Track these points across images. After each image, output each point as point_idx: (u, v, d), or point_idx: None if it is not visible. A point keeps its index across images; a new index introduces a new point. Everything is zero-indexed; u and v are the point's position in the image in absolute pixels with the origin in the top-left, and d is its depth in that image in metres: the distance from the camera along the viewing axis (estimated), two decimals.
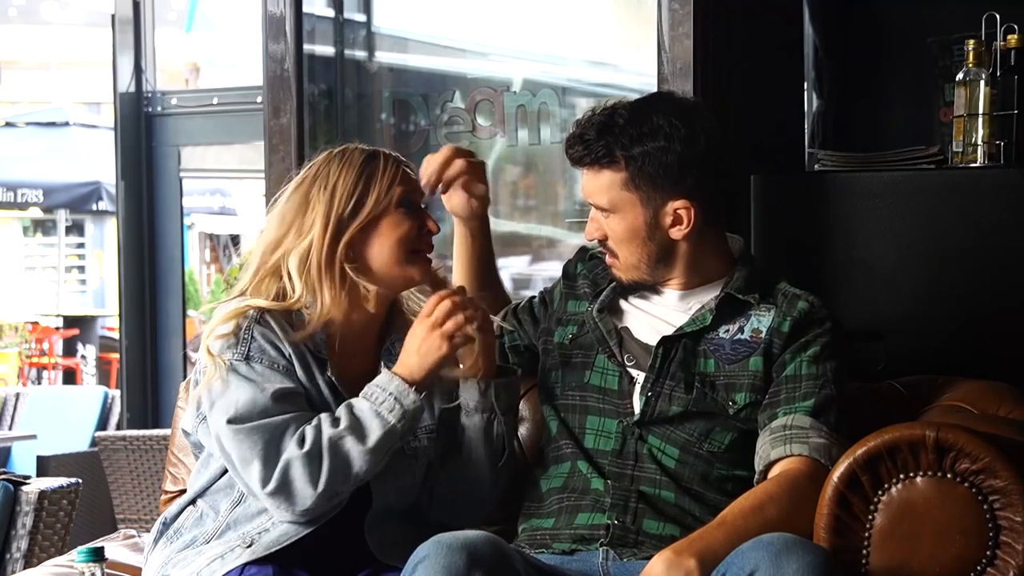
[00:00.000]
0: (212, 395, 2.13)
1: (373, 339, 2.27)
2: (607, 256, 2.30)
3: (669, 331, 2.27)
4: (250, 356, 2.13)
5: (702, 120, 2.24)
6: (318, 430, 2.09)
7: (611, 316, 2.33)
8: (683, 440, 2.23)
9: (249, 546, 2.12)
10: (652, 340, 2.28)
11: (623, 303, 2.35)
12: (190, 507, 2.24)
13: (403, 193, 2.21)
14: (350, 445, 2.08)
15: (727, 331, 2.26)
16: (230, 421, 2.09)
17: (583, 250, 2.47)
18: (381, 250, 2.20)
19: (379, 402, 2.11)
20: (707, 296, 2.29)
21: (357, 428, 2.09)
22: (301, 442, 2.08)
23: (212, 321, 2.18)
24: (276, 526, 2.14)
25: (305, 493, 2.07)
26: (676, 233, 2.24)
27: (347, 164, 2.20)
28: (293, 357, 2.16)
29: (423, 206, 2.28)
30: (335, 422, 2.10)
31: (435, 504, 2.30)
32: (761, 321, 2.26)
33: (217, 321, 2.17)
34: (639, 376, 2.27)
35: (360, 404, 2.11)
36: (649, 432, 2.24)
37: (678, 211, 2.22)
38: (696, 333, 2.26)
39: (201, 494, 2.23)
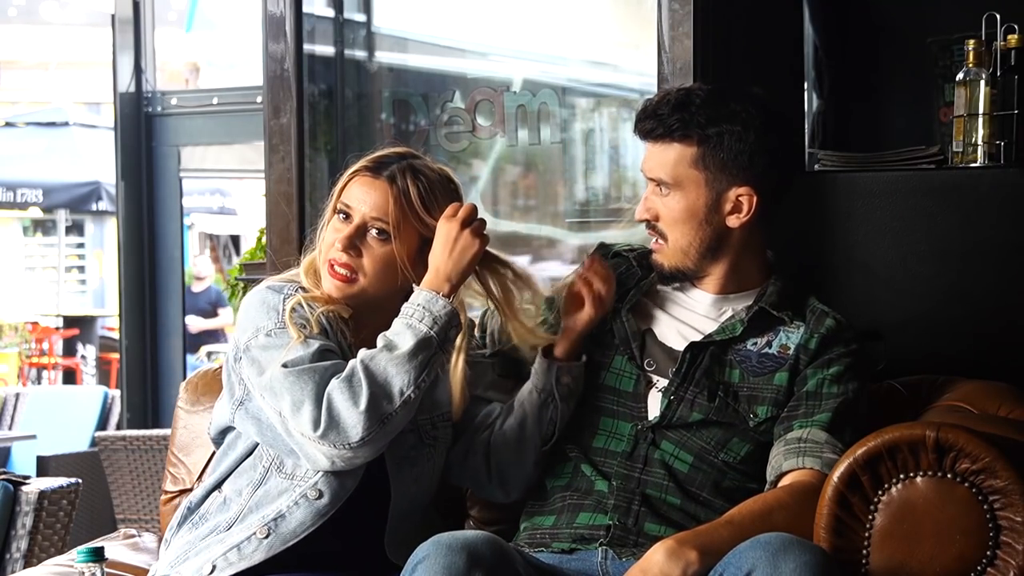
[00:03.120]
0: (257, 355, 2.13)
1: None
2: (653, 240, 2.30)
3: (697, 337, 2.27)
4: (290, 322, 2.14)
5: (777, 113, 2.26)
6: (355, 359, 2.10)
7: (635, 318, 2.33)
8: (699, 447, 2.23)
9: (266, 537, 2.13)
10: (677, 344, 2.28)
11: (650, 306, 2.34)
12: (215, 492, 2.25)
13: (342, 206, 2.25)
14: (383, 359, 2.08)
15: (755, 343, 2.26)
16: (284, 365, 2.09)
17: (603, 247, 2.46)
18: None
19: (409, 315, 2.10)
20: (739, 305, 2.29)
21: (390, 344, 2.09)
22: (339, 375, 2.08)
23: (255, 292, 2.20)
24: (293, 512, 2.14)
25: (351, 418, 2.05)
26: (733, 221, 2.24)
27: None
28: (328, 331, 2.17)
29: None
30: (370, 349, 2.11)
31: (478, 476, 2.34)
32: (790, 337, 2.26)
33: (260, 293, 2.19)
34: (658, 380, 2.27)
35: (394, 324, 2.12)
36: (663, 437, 2.24)
37: (740, 198, 2.22)
38: (724, 342, 2.26)
39: (226, 477, 2.24)
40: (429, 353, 2.09)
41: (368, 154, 2.25)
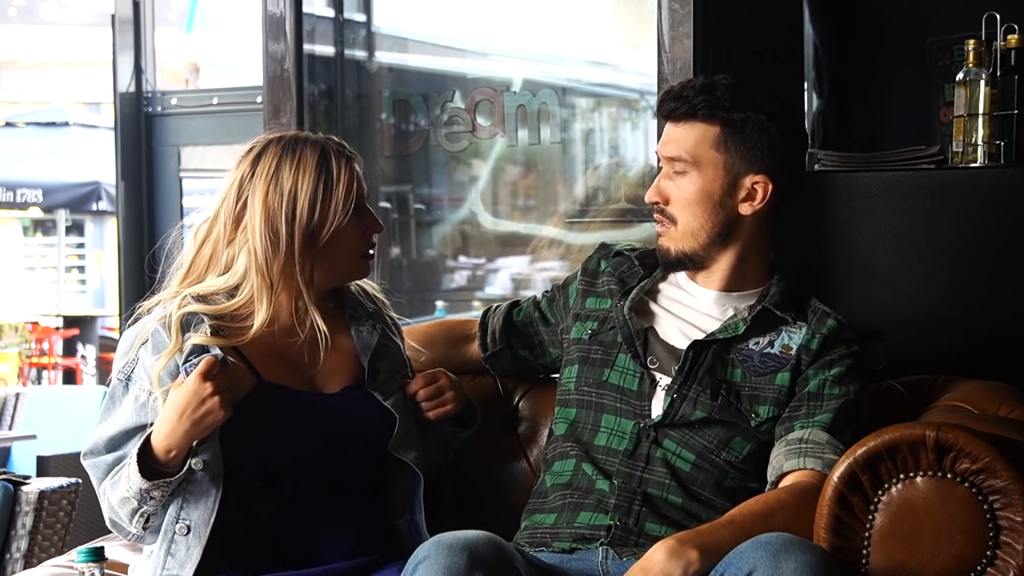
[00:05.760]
0: (97, 416, 2.21)
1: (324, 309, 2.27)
2: (659, 224, 2.30)
3: (700, 335, 2.27)
4: (130, 379, 2.16)
5: (795, 112, 2.28)
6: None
7: (638, 316, 2.33)
8: (701, 446, 2.23)
9: (187, 533, 2.13)
10: (679, 343, 2.28)
11: (652, 304, 2.35)
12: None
13: (357, 198, 2.21)
14: (111, 497, 2.15)
15: (756, 343, 2.26)
16: (83, 456, 2.20)
17: (604, 247, 2.46)
18: (338, 257, 2.22)
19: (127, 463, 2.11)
20: (742, 304, 2.29)
21: (115, 484, 2.13)
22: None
23: (134, 328, 2.21)
24: (181, 554, 2.15)
25: (106, 519, 2.19)
26: (745, 208, 2.25)
27: (302, 168, 2.18)
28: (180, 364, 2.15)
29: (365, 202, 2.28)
30: (116, 471, 2.15)
31: None
32: (792, 338, 2.26)
33: (134, 330, 2.20)
34: (661, 379, 2.27)
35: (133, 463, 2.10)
36: (666, 436, 2.24)
37: (755, 184, 2.24)
38: (726, 341, 2.26)
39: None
40: (131, 507, 2.12)
41: None
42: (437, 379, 2.34)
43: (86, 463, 2.19)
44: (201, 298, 2.18)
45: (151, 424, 2.12)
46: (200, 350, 2.13)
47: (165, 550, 2.14)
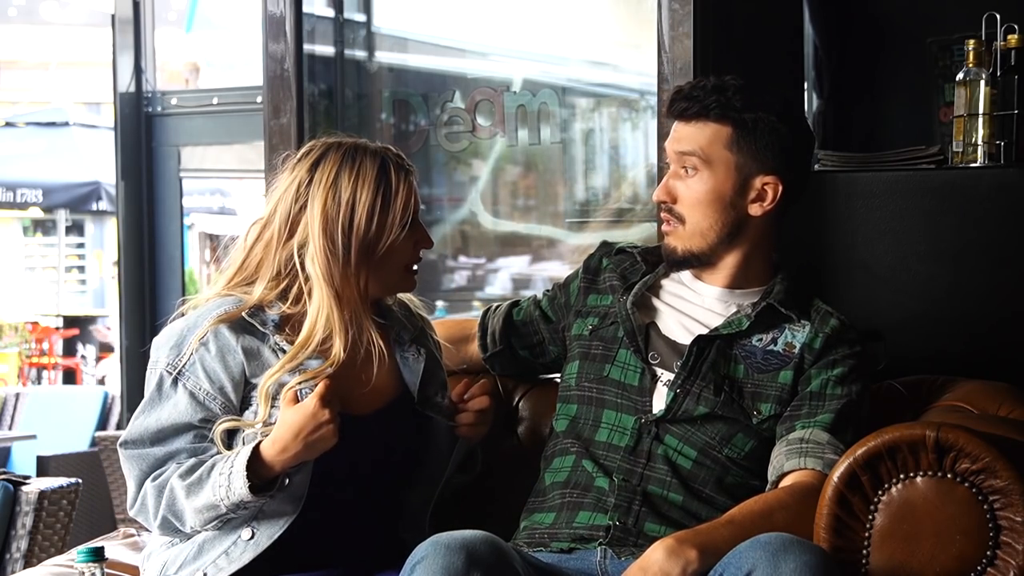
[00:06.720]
0: (140, 406, 2.17)
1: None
2: (665, 223, 2.30)
3: (703, 331, 2.27)
4: (182, 374, 2.14)
5: (801, 113, 2.28)
6: (172, 473, 2.12)
7: (640, 311, 2.33)
8: (703, 442, 2.23)
9: (249, 539, 2.14)
10: (682, 338, 2.28)
11: (654, 300, 2.35)
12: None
13: (414, 212, 2.21)
14: (181, 499, 2.11)
15: (760, 340, 2.27)
16: (123, 443, 2.15)
17: (606, 244, 2.46)
18: (388, 270, 2.21)
19: (219, 472, 2.09)
20: (745, 301, 2.29)
21: (196, 486, 2.10)
22: (156, 477, 2.13)
23: (185, 321, 2.18)
24: (236, 555, 2.14)
25: (151, 519, 2.15)
26: (755, 208, 2.25)
27: (361, 179, 2.16)
28: (245, 363, 2.14)
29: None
30: (190, 471, 2.11)
31: None
32: (796, 336, 2.26)
33: (185, 324, 2.17)
34: (662, 374, 2.27)
35: (220, 466, 2.09)
36: (667, 432, 2.24)
37: (765, 185, 2.24)
38: (730, 336, 2.26)
39: None
40: (218, 513, 2.10)
41: None
42: (486, 392, 2.32)
43: (125, 452, 2.15)
44: (257, 307, 2.18)
45: (199, 423, 2.13)
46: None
47: (223, 550, 2.14)
